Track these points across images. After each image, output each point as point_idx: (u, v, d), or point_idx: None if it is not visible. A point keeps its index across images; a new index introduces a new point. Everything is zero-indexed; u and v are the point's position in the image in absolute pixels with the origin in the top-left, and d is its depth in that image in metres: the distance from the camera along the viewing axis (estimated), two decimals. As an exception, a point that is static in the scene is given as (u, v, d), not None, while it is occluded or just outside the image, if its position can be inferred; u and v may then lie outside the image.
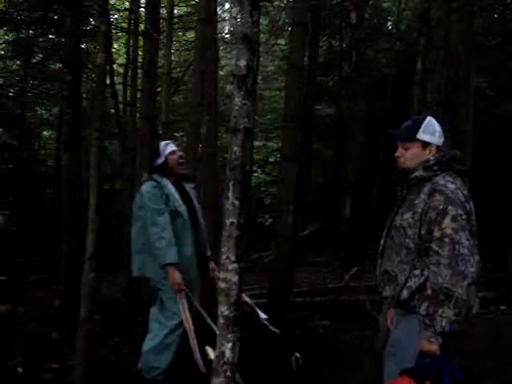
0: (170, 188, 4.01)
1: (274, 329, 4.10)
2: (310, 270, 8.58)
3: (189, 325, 3.81)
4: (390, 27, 14.51)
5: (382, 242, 2.80)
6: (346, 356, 4.84)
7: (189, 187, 4.28)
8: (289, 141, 6.01)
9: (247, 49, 2.35)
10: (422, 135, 2.68)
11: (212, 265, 4.33)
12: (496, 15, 12.10)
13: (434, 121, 2.70)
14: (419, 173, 2.63)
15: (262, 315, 4.25)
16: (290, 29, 11.05)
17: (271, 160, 15.86)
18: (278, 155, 14.09)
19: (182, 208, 4.00)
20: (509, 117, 12.45)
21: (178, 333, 3.92)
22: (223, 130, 11.26)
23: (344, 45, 13.55)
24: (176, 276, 3.79)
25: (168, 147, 4.13)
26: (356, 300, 6.60)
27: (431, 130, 2.68)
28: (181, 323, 3.86)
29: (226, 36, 15.09)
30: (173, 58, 14.56)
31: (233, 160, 2.35)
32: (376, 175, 11.41)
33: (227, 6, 16.30)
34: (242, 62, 2.34)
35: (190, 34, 14.33)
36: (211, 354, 3.66)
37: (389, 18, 14.45)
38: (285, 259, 6.08)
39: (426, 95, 4.83)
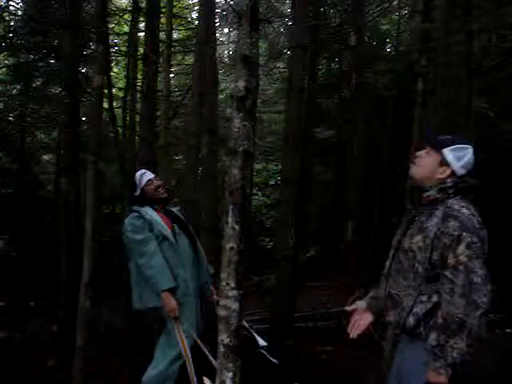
0: (151, 214, 3.96)
1: (272, 358, 4.01)
2: (311, 294, 8.45)
3: (186, 353, 3.73)
4: (388, 49, 14.55)
5: (387, 263, 2.71)
6: (353, 382, 4.73)
7: (176, 210, 4.23)
8: (289, 163, 5.96)
9: (246, 70, 2.31)
10: (447, 152, 2.54)
11: (211, 288, 4.25)
12: (494, 35, 12.14)
13: (469, 152, 2.56)
14: (433, 193, 2.54)
15: (261, 342, 4.16)
16: (288, 52, 11.12)
17: (271, 183, 15.82)
18: (278, 177, 14.06)
19: (167, 232, 3.93)
20: (509, 138, 12.46)
21: (180, 362, 3.83)
22: (222, 153, 11.24)
23: (343, 67, 13.61)
24: (170, 302, 3.71)
25: (144, 177, 4.10)
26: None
27: (459, 155, 2.54)
28: None
29: (225, 60, 15.20)
30: (172, 82, 14.66)
31: (232, 183, 2.29)
32: (377, 198, 11.35)
33: (226, 30, 16.47)
34: (241, 84, 2.30)
35: (190, 58, 14.44)
36: None
37: (387, 40, 14.52)
38: (286, 283, 5.99)
39: (426, 116, 4.79)
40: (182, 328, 3.77)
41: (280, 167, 13.96)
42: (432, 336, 2.37)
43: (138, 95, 8.72)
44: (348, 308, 2.89)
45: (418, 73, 4.55)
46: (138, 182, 4.09)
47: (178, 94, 13.13)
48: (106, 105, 13.06)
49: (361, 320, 2.83)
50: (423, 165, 2.61)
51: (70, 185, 5.48)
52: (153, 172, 4.27)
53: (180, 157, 14.02)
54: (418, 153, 2.64)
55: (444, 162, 2.55)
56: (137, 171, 4.23)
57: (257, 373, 3.76)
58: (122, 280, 6.41)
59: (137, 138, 8.19)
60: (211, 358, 3.77)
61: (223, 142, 8.43)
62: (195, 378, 3.66)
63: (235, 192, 2.28)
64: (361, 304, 2.87)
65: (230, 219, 2.29)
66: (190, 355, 3.73)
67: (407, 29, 12.94)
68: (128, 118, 10.44)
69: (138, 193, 4.07)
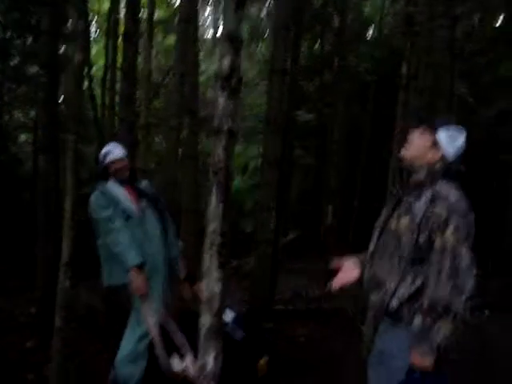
0: (116, 190, 3.90)
1: (236, 334, 4.01)
2: (291, 277, 8.48)
3: (152, 331, 3.69)
4: (370, 33, 14.53)
5: (372, 244, 2.67)
6: (328, 365, 4.76)
7: (144, 184, 4.16)
8: (271, 146, 5.93)
9: (231, 48, 2.26)
10: (442, 133, 2.53)
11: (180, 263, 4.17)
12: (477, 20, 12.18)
13: (463, 136, 2.55)
14: (422, 176, 2.52)
15: (230, 314, 4.15)
16: (267, 34, 11.03)
17: (252, 165, 15.78)
18: (259, 160, 14.02)
19: (132, 207, 3.87)
20: (488, 123, 12.57)
21: (148, 340, 3.79)
22: (203, 135, 11.17)
23: (324, 50, 13.55)
24: (138, 279, 3.65)
25: (107, 157, 4.01)
26: (338, 307, 6.51)
27: (453, 139, 2.53)
28: None
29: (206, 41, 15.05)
30: (153, 63, 14.50)
31: (216, 163, 2.25)
32: (357, 181, 11.39)
33: (207, 12, 16.30)
34: (226, 62, 2.25)
35: (170, 39, 14.27)
36: (176, 366, 3.56)
37: (369, 24, 14.48)
38: (267, 266, 5.99)
39: (409, 100, 4.79)
40: (149, 305, 3.72)
41: (260, 150, 13.98)
42: (417, 319, 2.36)
43: (118, 75, 8.61)
44: (333, 264, 2.84)
45: (400, 57, 4.52)
46: (100, 160, 4.02)
47: (158, 74, 12.98)
48: (85, 84, 12.92)
49: (346, 273, 2.78)
50: (415, 144, 2.59)
51: (48, 164, 5.37)
52: (131, 151, 4.18)
53: (161, 138, 13.91)
54: (412, 133, 2.61)
55: (437, 144, 2.53)
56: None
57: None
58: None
59: (116, 118, 8.09)
60: (178, 335, 3.75)
61: (204, 123, 8.39)
62: (164, 356, 3.64)
63: (219, 172, 2.24)
64: (348, 261, 2.82)
65: (213, 199, 2.25)
66: (157, 332, 3.70)
67: (390, 12, 12.91)
68: (107, 98, 10.35)
69: (100, 170, 4.02)
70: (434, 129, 2.55)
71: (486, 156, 11.56)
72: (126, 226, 3.76)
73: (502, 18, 12.76)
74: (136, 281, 3.65)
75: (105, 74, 10.43)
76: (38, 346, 4.97)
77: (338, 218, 11.28)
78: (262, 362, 3.99)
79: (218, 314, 2.29)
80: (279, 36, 5.70)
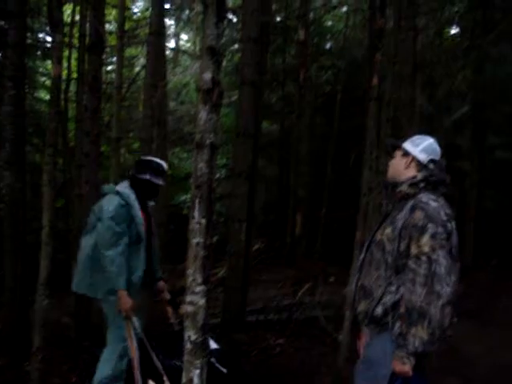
0: (137, 209, 3.77)
1: (220, 367, 3.99)
2: (261, 288, 8.48)
3: (134, 354, 3.66)
4: (331, 45, 14.70)
5: (361, 256, 2.75)
6: (307, 375, 4.77)
7: (150, 205, 4.10)
8: (241, 157, 5.92)
9: (212, 61, 2.26)
10: (406, 144, 2.69)
11: (161, 284, 4.16)
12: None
13: (428, 140, 2.69)
14: (404, 188, 2.60)
15: (213, 345, 4.14)
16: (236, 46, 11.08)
17: (217, 176, 15.75)
18: (223, 171, 14.04)
19: (142, 233, 3.79)
20: (447, 133, 12.86)
21: (126, 360, 3.75)
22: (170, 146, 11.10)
23: (286, 61, 13.67)
24: (126, 301, 3.61)
25: (160, 173, 3.90)
26: (310, 317, 6.54)
27: (416, 143, 2.67)
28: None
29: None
30: (113, 75, 14.37)
31: (198, 177, 2.24)
32: (325, 192, 11.48)
33: (170, 22, 16.27)
34: (207, 75, 2.25)
35: (131, 51, 14.22)
36: None
37: (329, 36, 14.65)
38: (238, 278, 5.97)
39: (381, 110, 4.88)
40: (132, 325, 3.68)
41: (224, 161, 13.97)
42: (396, 325, 2.42)
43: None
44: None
45: (363, 68, 4.63)
46: (154, 171, 3.85)
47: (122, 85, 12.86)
48: (47, 96, 12.68)
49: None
50: (393, 164, 2.75)
51: (14, 179, 5.26)
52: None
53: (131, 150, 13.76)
54: (390, 159, 2.79)
55: (405, 154, 2.67)
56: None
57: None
58: (69, 277, 6.25)
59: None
60: (155, 358, 3.73)
61: (173, 134, 8.34)
62: (140, 380, 3.62)
63: (202, 185, 2.24)
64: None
65: (196, 213, 2.24)
66: (137, 356, 3.67)
67: (354, 25, 13.12)
68: (70, 111, 10.22)
69: (146, 177, 3.83)
70: (400, 147, 2.72)
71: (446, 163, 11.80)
72: (126, 249, 3.67)
73: (457, 30, 13.15)
74: (125, 303, 3.61)
75: (67, 86, 10.31)
76: (9, 364, 4.84)
77: (307, 227, 11.35)
78: None
79: (203, 328, 2.27)
80: (248, 47, 5.73)
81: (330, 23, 14.26)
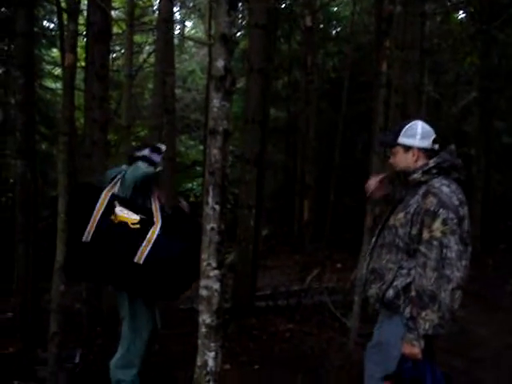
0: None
1: None
2: (269, 274, 8.54)
3: None
4: (339, 31, 14.63)
5: (373, 240, 2.79)
6: (317, 359, 4.80)
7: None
8: (250, 144, 5.95)
9: (225, 49, 2.28)
10: (402, 139, 2.68)
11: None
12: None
13: (418, 124, 2.70)
14: (418, 176, 2.62)
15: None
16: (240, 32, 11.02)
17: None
18: (230, 158, 14.03)
19: None
20: (453, 120, 12.87)
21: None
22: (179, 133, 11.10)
23: (294, 48, 13.63)
24: None
25: (158, 146, 3.77)
26: (318, 302, 6.59)
27: (411, 133, 2.67)
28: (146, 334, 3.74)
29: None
30: (120, 62, 14.34)
31: (212, 163, 2.27)
32: (332, 178, 11.49)
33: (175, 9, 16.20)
34: (220, 63, 2.27)
35: (136, 38, 14.17)
36: None
37: (337, 22, 14.58)
38: (248, 263, 6.03)
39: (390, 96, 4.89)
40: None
41: (231, 148, 13.98)
42: (407, 309, 2.46)
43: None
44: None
45: (377, 53, 4.62)
46: (155, 146, 3.74)
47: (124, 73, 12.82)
48: (53, 85, 12.69)
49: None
50: (399, 162, 2.75)
51: (25, 168, 5.29)
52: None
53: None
54: (391, 158, 2.80)
55: (406, 148, 2.69)
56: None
57: None
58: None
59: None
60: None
61: (179, 121, 8.35)
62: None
63: (215, 172, 2.27)
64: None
65: (210, 200, 2.28)
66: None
67: (361, 10, 13.05)
68: (77, 98, 10.20)
69: (144, 153, 3.65)
70: (395, 142, 2.72)
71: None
72: None
73: (464, 16, 13.06)
74: None
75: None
76: (22, 350, 4.90)
77: (314, 213, 11.38)
78: None
79: (218, 312, 2.31)
80: (256, 34, 5.73)
81: (336, 9, 14.18)
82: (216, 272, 2.29)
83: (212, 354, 2.32)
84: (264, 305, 6.57)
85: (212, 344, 2.32)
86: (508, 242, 10.74)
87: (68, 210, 3.29)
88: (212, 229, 2.28)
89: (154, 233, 3.39)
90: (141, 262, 3.31)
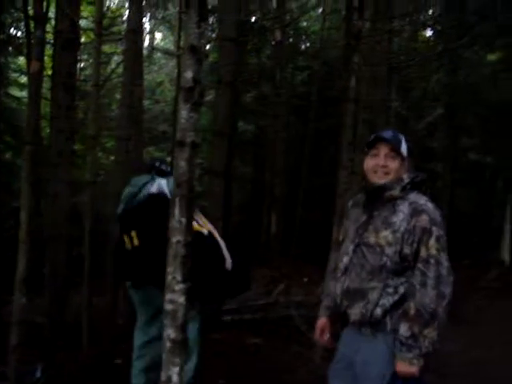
0: None
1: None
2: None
3: None
4: (308, 46, 14.79)
5: (346, 259, 2.65)
6: (284, 374, 4.78)
7: None
8: (218, 156, 5.94)
9: (194, 60, 2.27)
10: (403, 150, 2.57)
11: None
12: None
13: (396, 133, 2.64)
14: (395, 192, 2.54)
15: None
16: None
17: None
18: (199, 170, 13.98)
19: None
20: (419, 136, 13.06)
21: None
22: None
23: (262, 62, 13.70)
24: None
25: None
26: (285, 316, 6.57)
27: (400, 140, 2.58)
28: None
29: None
30: (87, 72, 14.21)
31: (179, 175, 2.24)
32: (300, 192, 11.53)
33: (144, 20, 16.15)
34: (189, 74, 2.25)
35: (105, 48, 14.07)
36: None
37: (308, 37, 14.73)
38: (214, 277, 5.97)
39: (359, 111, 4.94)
40: None
41: (200, 160, 13.93)
42: (403, 327, 2.41)
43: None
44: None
45: (350, 70, 4.66)
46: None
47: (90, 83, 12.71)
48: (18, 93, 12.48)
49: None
50: (394, 170, 2.58)
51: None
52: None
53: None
54: (386, 161, 2.58)
55: (403, 160, 2.58)
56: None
57: None
58: (41, 275, 6.17)
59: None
60: None
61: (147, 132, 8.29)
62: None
63: (182, 184, 2.24)
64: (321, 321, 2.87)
65: (176, 212, 2.24)
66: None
67: (330, 26, 13.21)
68: (43, 108, 10.05)
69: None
70: (399, 148, 2.56)
71: (416, 165, 11.98)
72: None
73: (431, 33, 13.35)
74: None
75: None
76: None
77: (282, 226, 11.39)
78: None
79: (182, 327, 2.27)
80: (226, 48, 5.74)
81: (305, 24, 14.33)
82: (181, 286, 2.25)
83: (176, 370, 2.27)
84: (230, 319, 6.52)
85: (176, 359, 2.27)
86: (472, 257, 10.91)
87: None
88: (178, 242, 2.24)
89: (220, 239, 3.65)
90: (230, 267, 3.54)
